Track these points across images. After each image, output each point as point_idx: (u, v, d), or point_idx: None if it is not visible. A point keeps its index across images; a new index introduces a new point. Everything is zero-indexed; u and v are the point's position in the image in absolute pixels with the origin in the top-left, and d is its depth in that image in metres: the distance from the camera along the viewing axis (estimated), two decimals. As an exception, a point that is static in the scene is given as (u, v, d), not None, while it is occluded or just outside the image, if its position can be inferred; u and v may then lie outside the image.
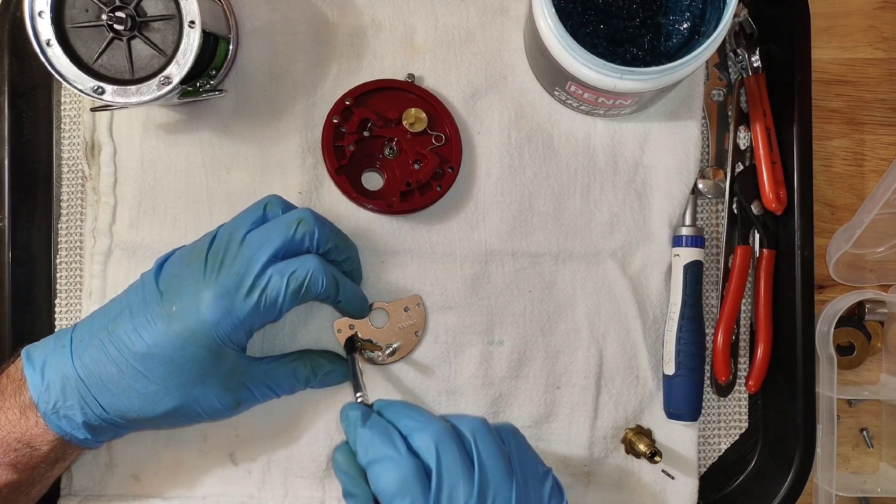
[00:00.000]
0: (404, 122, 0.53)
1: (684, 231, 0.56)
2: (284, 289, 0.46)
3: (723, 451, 0.58)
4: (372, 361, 0.54)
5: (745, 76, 0.57)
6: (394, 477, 0.41)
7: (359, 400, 0.47)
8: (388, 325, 0.55)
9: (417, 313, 0.55)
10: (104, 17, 0.46)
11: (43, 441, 0.46)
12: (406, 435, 0.42)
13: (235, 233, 0.47)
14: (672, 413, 0.55)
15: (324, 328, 0.55)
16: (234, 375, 0.47)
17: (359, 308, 0.52)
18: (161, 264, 0.48)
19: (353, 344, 0.53)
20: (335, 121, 0.53)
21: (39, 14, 0.46)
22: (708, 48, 0.46)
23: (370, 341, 0.54)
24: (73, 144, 0.58)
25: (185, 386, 0.46)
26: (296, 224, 0.47)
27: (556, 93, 0.54)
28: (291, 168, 0.55)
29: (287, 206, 0.50)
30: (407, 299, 0.55)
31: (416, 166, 0.54)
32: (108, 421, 0.46)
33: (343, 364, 0.53)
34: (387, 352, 0.54)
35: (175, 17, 0.47)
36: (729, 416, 0.58)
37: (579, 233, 0.56)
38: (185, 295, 0.45)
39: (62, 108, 0.58)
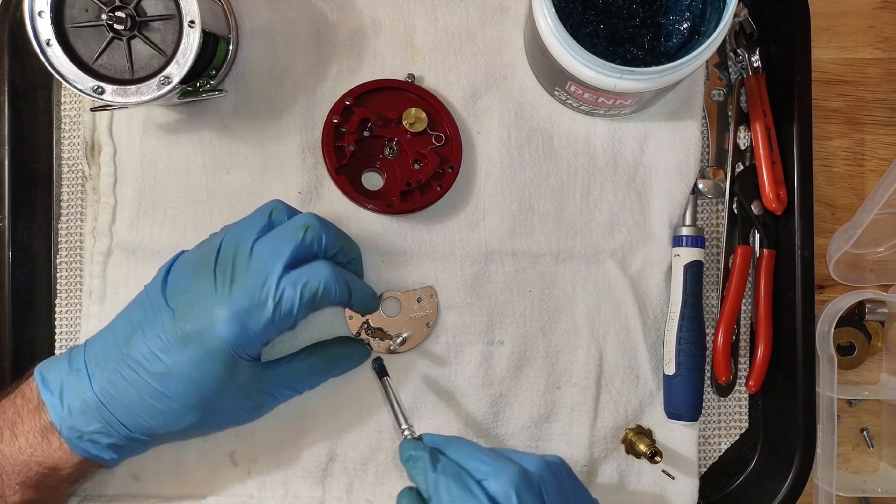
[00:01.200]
0: (404, 122, 0.53)
1: (684, 231, 0.56)
2: (298, 300, 0.45)
3: (723, 451, 0.58)
4: (387, 349, 0.54)
5: (745, 76, 0.57)
6: None
7: (405, 434, 0.47)
8: (400, 315, 0.54)
9: (430, 304, 0.54)
10: (104, 16, 0.46)
11: (67, 464, 0.46)
12: (479, 479, 0.42)
13: (242, 243, 0.46)
14: (672, 413, 0.55)
15: (324, 327, 0.55)
16: (251, 384, 0.47)
17: (369, 307, 0.52)
18: (165, 275, 0.47)
19: (384, 369, 0.52)
20: (335, 121, 0.53)
21: (39, 14, 0.46)
22: (708, 48, 0.46)
23: (381, 329, 0.54)
24: (73, 144, 0.58)
25: (206, 400, 0.45)
26: (303, 231, 0.46)
27: (556, 93, 0.54)
28: (291, 168, 0.55)
29: (291, 212, 0.49)
30: (420, 290, 0.55)
31: (416, 166, 0.54)
32: (134, 439, 0.46)
33: (358, 346, 0.53)
34: (397, 341, 0.54)
35: (175, 17, 0.47)
36: (729, 416, 0.58)
37: (579, 233, 0.56)
38: (198, 312, 0.44)
39: (62, 108, 0.58)
